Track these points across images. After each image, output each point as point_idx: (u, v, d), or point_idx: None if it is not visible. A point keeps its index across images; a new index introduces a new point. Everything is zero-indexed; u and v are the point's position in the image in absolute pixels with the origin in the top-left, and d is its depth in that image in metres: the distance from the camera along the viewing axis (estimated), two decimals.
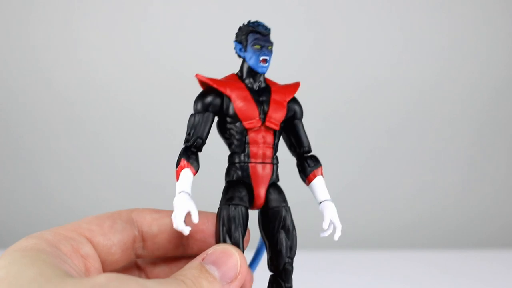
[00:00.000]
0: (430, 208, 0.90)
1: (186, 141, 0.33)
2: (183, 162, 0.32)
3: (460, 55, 0.89)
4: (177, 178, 0.31)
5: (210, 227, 0.33)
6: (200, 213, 0.33)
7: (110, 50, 0.87)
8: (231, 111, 0.33)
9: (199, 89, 0.34)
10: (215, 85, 0.33)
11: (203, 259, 0.29)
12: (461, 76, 0.89)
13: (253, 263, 0.37)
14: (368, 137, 0.89)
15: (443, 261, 0.78)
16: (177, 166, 0.32)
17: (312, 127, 0.87)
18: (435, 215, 0.91)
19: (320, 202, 0.35)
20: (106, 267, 0.31)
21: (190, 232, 0.32)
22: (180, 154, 0.32)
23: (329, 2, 0.87)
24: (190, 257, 0.33)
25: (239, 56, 0.34)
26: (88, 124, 0.88)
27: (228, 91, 0.33)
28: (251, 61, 0.33)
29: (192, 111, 0.34)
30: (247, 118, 0.33)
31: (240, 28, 0.34)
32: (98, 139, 0.88)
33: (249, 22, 0.34)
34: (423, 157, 0.90)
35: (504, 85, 0.90)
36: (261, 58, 0.33)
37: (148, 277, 0.34)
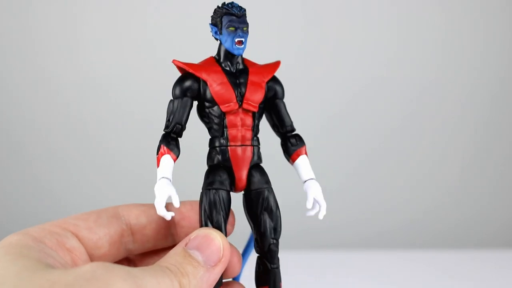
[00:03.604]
0: (430, 208, 0.90)
1: (166, 127, 0.33)
2: (163, 148, 0.32)
3: (458, 55, 0.89)
4: (158, 165, 0.32)
5: (195, 214, 0.34)
6: (185, 201, 0.34)
7: (110, 50, 0.87)
8: (208, 96, 0.33)
9: None
10: (191, 70, 0.33)
11: (186, 245, 0.29)
12: (459, 76, 0.89)
13: (244, 256, 0.37)
14: (367, 137, 0.89)
15: (443, 261, 0.78)
16: (157, 153, 0.32)
17: (310, 126, 0.87)
18: (434, 215, 0.91)
19: (304, 182, 0.35)
20: (95, 261, 0.31)
21: (177, 219, 0.34)
22: (160, 140, 0.33)
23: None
24: None
25: (216, 39, 0.34)
26: (88, 124, 0.88)
27: (204, 75, 0.33)
28: (227, 44, 0.33)
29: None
30: (224, 101, 0.33)
31: (215, 11, 0.34)
32: (98, 138, 0.88)
33: (223, 4, 0.34)
34: (422, 157, 0.90)
35: (503, 84, 0.90)
36: (236, 40, 0.33)
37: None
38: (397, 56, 0.88)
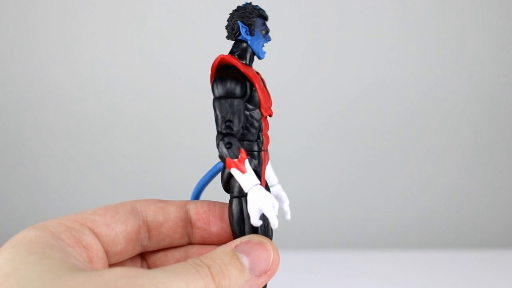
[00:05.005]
0: (430, 208, 0.90)
1: (230, 128, 0.29)
2: (243, 152, 0.29)
3: (459, 56, 0.89)
4: (243, 170, 0.29)
5: (212, 216, 0.33)
6: (203, 201, 0.33)
7: (110, 50, 0.87)
8: (255, 98, 0.31)
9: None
10: (243, 69, 0.31)
11: (236, 246, 0.28)
12: (459, 76, 0.89)
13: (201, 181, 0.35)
14: (367, 137, 0.89)
15: (443, 261, 0.78)
16: (235, 157, 0.29)
17: (310, 126, 0.87)
18: (434, 216, 0.91)
19: (272, 186, 0.35)
20: (110, 258, 0.30)
21: (193, 220, 0.33)
22: (230, 143, 0.29)
23: (324, 1, 0.87)
24: (191, 245, 0.33)
25: (238, 38, 0.32)
26: (88, 124, 0.88)
27: (251, 78, 0.31)
28: (257, 46, 0.32)
29: (218, 95, 0.30)
30: (266, 105, 0.32)
31: (246, 9, 0.32)
32: (98, 139, 0.88)
33: (251, 4, 0.32)
34: (422, 157, 0.90)
35: (503, 84, 0.90)
36: (265, 44, 0.32)
37: (148, 264, 0.34)
38: (398, 57, 0.88)
